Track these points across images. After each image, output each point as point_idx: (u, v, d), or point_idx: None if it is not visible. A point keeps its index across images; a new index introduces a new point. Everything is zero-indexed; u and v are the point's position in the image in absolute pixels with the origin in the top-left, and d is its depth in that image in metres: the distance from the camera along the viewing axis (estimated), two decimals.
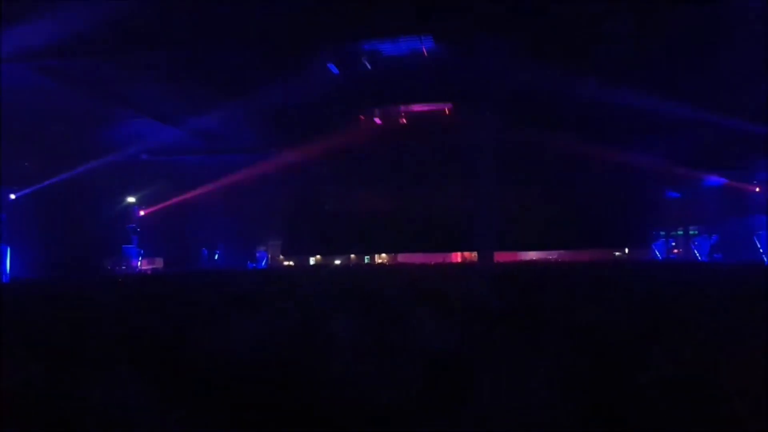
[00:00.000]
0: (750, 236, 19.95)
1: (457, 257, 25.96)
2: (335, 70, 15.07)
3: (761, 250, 19.47)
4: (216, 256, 24.21)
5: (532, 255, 25.86)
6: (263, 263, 24.62)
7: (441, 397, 2.87)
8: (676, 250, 25.15)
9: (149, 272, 21.11)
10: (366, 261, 25.85)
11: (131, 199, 21.79)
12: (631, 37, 12.57)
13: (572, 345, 3.64)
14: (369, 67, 14.89)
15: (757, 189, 20.11)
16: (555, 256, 25.75)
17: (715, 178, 21.58)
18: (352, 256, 25.45)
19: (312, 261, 25.35)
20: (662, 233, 25.01)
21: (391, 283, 9.50)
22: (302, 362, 3.41)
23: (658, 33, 12.33)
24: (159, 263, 22.87)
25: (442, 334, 4.04)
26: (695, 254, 23.43)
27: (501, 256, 22.75)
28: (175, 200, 21.90)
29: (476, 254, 23.64)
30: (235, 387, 2.97)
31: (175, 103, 16.47)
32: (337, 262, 24.68)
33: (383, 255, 26.15)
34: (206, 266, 22.98)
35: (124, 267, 21.27)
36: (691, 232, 24.44)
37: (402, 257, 25.50)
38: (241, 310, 5.71)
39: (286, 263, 24.89)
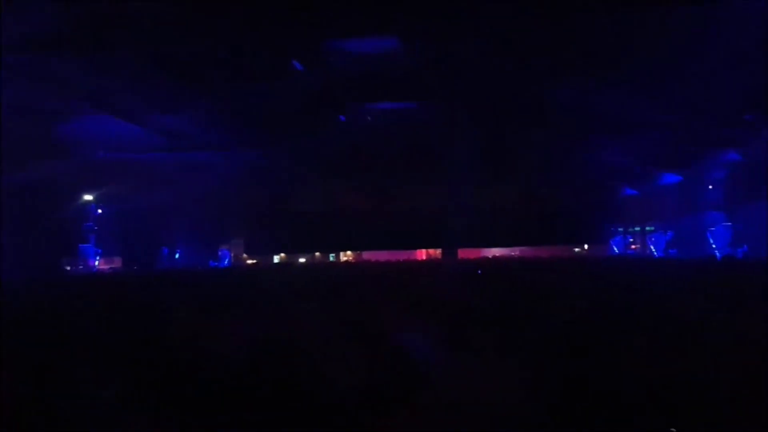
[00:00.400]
0: (703, 232, 20.64)
1: (422, 254, 26.13)
2: (300, 68, 14.91)
3: (714, 246, 20.17)
4: (177, 255, 23.75)
5: (495, 252, 26.21)
6: (226, 262, 24.29)
7: (408, 390, 2.90)
8: (633, 246, 25.88)
9: (107, 271, 20.61)
10: (331, 259, 25.79)
11: (88, 198, 21.17)
12: (594, 41, 12.82)
13: (539, 340, 3.76)
14: (335, 65, 14.78)
15: (710, 187, 20.81)
16: (517, 253, 26.18)
17: (670, 177, 22.26)
18: (317, 254, 25.37)
19: (276, 259, 25.15)
20: (620, 230, 25.70)
21: (355, 281, 9.54)
22: (269, 357, 3.44)
23: (620, 38, 12.61)
24: (117, 263, 22.33)
25: (408, 330, 4.09)
26: (651, 250, 24.16)
27: (464, 253, 23.05)
28: (134, 198, 21.36)
29: (440, 251, 23.90)
30: (202, 382, 3.01)
31: (136, 100, 16.05)
32: (302, 260, 24.55)
33: (348, 253, 26.13)
34: (166, 265, 22.53)
35: (81, 267, 20.68)
36: (647, 229, 25.18)
37: (367, 255, 25.51)
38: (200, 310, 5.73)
39: (249, 262, 24.62)
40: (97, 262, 21.37)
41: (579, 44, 12.93)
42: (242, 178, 21.83)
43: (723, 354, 3.31)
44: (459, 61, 13.98)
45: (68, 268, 20.42)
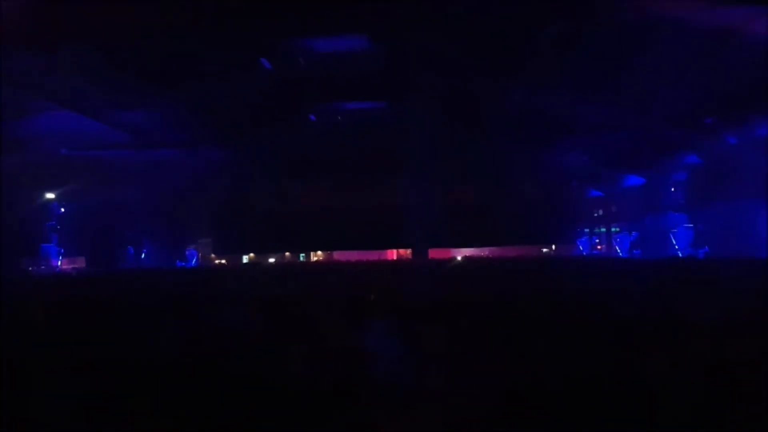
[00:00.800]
0: (666, 234, 21.14)
1: (393, 254, 26.20)
2: (268, 66, 14.83)
3: (676, 247, 20.68)
4: (143, 255, 23.34)
5: (465, 252, 26.43)
6: (193, 262, 23.97)
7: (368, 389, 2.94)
8: (599, 247, 26.37)
9: (70, 272, 20.14)
10: (301, 259, 25.67)
11: (50, 196, 20.66)
12: (558, 44, 13.05)
13: (508, 339, 3.82)
14: (303, 63, 14.74)
15: (672, 189, 21.32)
16: (486, 253, 26.44)
17: (635, 179, 22.75)
18: (287, 254, 25.22)
19: (245, 259, 24.92)
20: (586, 230, 26.15)
21: (323, 282, 9.54)
22: (229, 357, 3.47)
23: (583, 42, 12.88)
24: (80, 263, 21.84)
25: (374, 329, 4.17)
26: (616, 250, 24.64)
27: (434, 253, 23.19)
28: (99, 197, 20.92)
29: (411, 251, 23.98)
30: (161, 383, 2.99)
31: (100, 96, 15.73)
32: (271, 260, 24.38)
33: (319, 253, 26.06)
34: (132, 265, 22.13)
35: (43, 266, 20.18)
36: (613, 230, 25.68)
37: (338, 255, 25.46)
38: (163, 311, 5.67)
39: (217, 262, 24.35)
40: (59, 262, 20.87)
41: (543, 48, 13.18)
42: (211, 176, 21.60)
43: (685, 352, 3.40)
44: (427, 61, 14.10)
45: (30, 268, 19.90)
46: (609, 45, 12.96)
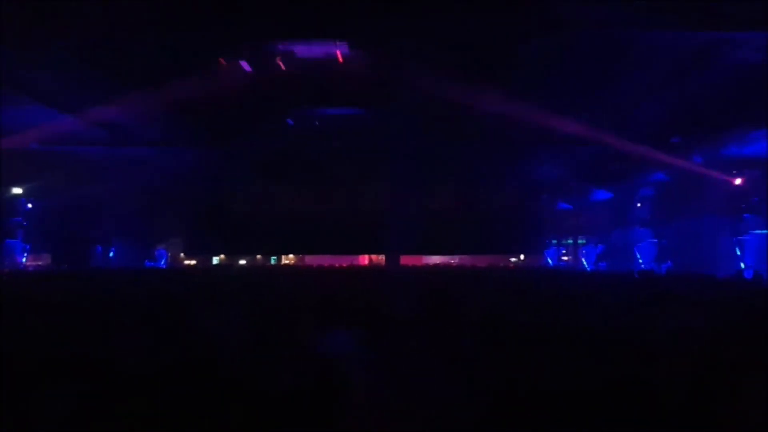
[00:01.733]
0: (631, 247, 21.73)
1: (365, 260, 26.28)
2: (248, 68, 14.82)
3: (640, 261, 21.27)
4: (111, 254, 22.91)
5: (436, 259, 26.72)
6: (162, 262, 23.62)
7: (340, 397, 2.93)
8: (565, 258, 26.90)
9: (32, 269, 19.69)
10: (272, 262, 25.53)
11: (17, 191, 20.15)
12: (534, 59, 13.38)
13: (479, 348, 3.84)
14: (283, 68, 14.77)
15: (639, 205, 21.95)
16: (456, 261, 26.79)
17: (602, 193, 23.34)
18: (258, 256, 25.05)
19: (216, 261, 24.68)
20: (554, 242, 26.65)
21: (294, 287, 9.52)
22: (197, 363, 3.38)
23: (558, 58, 13.24)
24: (46, 260, 21.34)
25: (346, 336, 4.03)
26: (582, 262, 25.19)
27: (405, 260, 23.36)
28: (67, 193, 20.47)
29: (384, 257, 24.09)
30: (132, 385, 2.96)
31: (73, 91, 15.46)
32: (242, 262, 24.20)
33: (290, 256, 25.96)
34: (99, 264, 21.70)
35: (6, 263, 19.65)
36: (579, 242, 26.25)
37: (309, 259, 25.42)
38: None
39: (187, 262, 24.04)
40: (24, 259, 20.36)
41: (519, 61, 13.51)
42: (184, 175, 21.33)
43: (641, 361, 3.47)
44: (405, 69, 14.28)
45: None
46: (583, 63, 13.37)
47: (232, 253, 24.15)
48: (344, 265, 23.30)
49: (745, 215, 17.25)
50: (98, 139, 18.53)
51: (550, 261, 25.74)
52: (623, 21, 11.07)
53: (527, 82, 14.67)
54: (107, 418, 2.73)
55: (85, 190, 20.08)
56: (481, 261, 24.27)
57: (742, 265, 17.00)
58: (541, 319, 5.10)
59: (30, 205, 20.59)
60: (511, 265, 25.58)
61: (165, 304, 6.24)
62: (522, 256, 26.85)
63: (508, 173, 22.38)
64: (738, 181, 17.51)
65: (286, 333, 4.34)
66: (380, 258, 24.62)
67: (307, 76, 15.27)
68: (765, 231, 16.59)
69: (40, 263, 21.03)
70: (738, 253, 17.30)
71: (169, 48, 13.30)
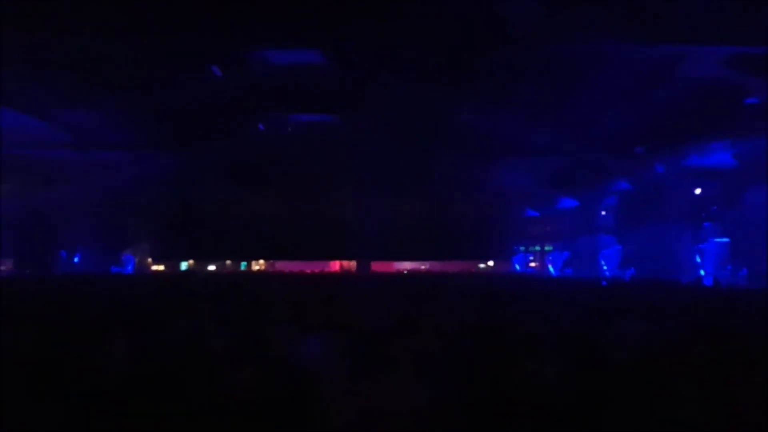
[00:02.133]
0: (596, 254, 22.20)
1: (336, 266, 26.22)
2: (218, 73, 14.73)
3: (605, 267, 21.74)
4: (76, 259, 22.38)
5: (407, 265, 26.83)
6: (129, 267, 23.17)
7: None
8: (533, 264, 27.32)
9: None
10: (243, 267, 25.28)
11: None
12: (502, 71, 13.63)
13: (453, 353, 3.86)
14: (255, 73, 14.72)
15: (603, 212, 22.46)
16: (426, 266, 26.95)
17: (569, 201, 23.80)
18: (228, 262, 24.77)
19: (184, 266, 24.32)
20: (522, 248, 27.04)
21: (264, 293, 9.44)
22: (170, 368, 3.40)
23: (525, 70, 13.52)
24: (7, 265, 20.75)
25: (318, 343, 4.06)
26: (549, 268, 25.63)
27: (377, 266, 23.45)
28: (32, 197, 19.95)
29: (355, 263, 24.11)
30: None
31: (36, 93, 15.11)
32: (212, 267, 23.90)
33: (261, 261, 25.71)
34: (63, 270, 21.19)
35: None
36: (546, 248, 26.69)
37: (280, 264, 25.22)
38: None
39: (155, 268, 23.64)
40: None
41: (488, 72, 13.73)
42: (151, 180, 20.98)
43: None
44: (377, 78, 14.39)
45: None
46: (549, 75, 13.68)
47: (201, 259, 23.83)
48: (316, 271, 23.31)
49: (705, 224, 17.75)
50: (63, 142, 18.14)
51: (517, 267, 26.11)
52: (585, 34, 11.35)
53: (496, 93, 14.92)
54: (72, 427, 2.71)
55: (50, 194, 19.60)
56: (450, 267, 24.50)
57: (702, 272, 17.48)
58: (509, 326, 5.14)
59: None
60: (479, 270, 25.88)
61: (127, 311, 6.16)
62: (491, 262, 27.15)
63: (477, 181, 22.66)
64: (698, 191, 18.04)
65: (255, 341, 4.27)
66: (351, 264, 24.61)
67: (279, 83, 15.25)
68: (724, 239, 17.11)
69: (2, 268, 20.43)
70: (698, 260, 17.80)
71: (139, 51, 13.14)
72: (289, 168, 21.24)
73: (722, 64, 12.36)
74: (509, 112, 16.03)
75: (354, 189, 21.60)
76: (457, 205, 23.41)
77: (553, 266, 25.45)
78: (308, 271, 21.51)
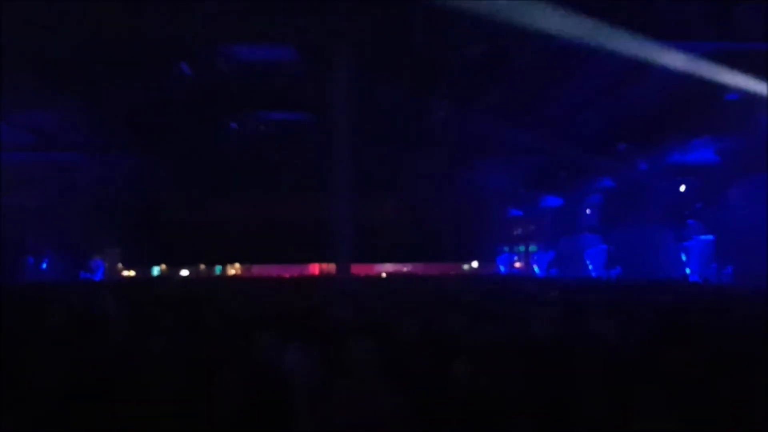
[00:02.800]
0: (581, 254, 21.94)
1: (315, 269, 25.75)
2: (187, 71, 14.23)
3: (590, 267, 21.50)
4: (43, 266, 21.66)
5: (388, 267, 26.38)
6: (99, 274, 22.49)
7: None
8: (517, 265, 27.09)
9: None
10: (217, 272, 24.73)
11: None
12: (480, 67, 13.33)
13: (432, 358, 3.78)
14: (225, 70, 14.26)
15: (588, 211, 22.20)
16: (408, 269, 26.54)
17: (553, 200, 23.54)
18: (202, 266, 24.15)
19: (156, 271, 23.70)
20: (506, 249, 26.79)
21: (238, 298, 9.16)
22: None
23: (504, 67, 13.26)
24: None
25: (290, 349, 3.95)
26: (534, 269, 25.36)
27: (357, 269, 22.93)
28: None
29: (334, 266, 23.61)
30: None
31: None
32: (185, 272, 23.26)
33: (237, 266, 25.17)
34: (29, 277, 20.46)
35: None
36: (531, 249, 26.46)
37: (257, 269, 24.70)
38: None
39: (125, 274, 22.98)
40: None
41: (465, 69, 13.42)
42: (120, 183, 20.36)
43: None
44: (353, 75, 13.99)
45: None
46: (529, 72, 13.41)
47: (173, 264, 23.15)
48: (295, 275, 22.75)
49: (689, 221, 17.57)
50: (24, 144, 17.50)
51: (502, 268, 25.81)
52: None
53: (475, 91, 14.63)
54: None
55: (13, 198, 18.84)
56: (434, 269, 24.09)
57: (688, 271, 17.30)
58: (492, 328, 5.03)
59: None
60: (462, 272, 25.54)
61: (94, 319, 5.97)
62: (475, 263, 26.85)
63: (460, 181, 22.28)
64: (682, 188, 17.83)
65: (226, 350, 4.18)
66: (331, 267, 24.10)
67: (250, 80, 14.82)
68: (709, 237, 16.92)
69: None
70: (683, 258, 17.60)
71: (102, 48, 12.62)
72: (264, 169, 20.67)
73: (703, 60, 12.12)
74: (491, 110, 15.75)
75: (332, 190, 21.07)
76: (438, 206, 22.99)
77: (538, 266, 25.19)
78: (286, 275, 20.93)
